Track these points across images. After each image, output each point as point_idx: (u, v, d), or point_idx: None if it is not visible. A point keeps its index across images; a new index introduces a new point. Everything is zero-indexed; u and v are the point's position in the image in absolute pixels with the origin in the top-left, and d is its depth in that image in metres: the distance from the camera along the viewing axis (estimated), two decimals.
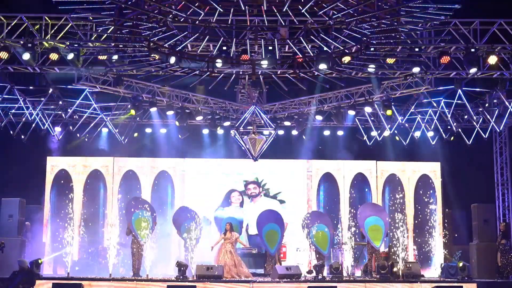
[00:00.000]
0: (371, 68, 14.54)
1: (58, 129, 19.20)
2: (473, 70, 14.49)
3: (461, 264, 15.48)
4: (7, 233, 16.49)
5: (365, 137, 19.84)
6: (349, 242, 16.41)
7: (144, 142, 20.23)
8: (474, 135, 19.29)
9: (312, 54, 13.94)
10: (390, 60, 14.68)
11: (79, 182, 19.56)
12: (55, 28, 14.22)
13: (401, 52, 14.38)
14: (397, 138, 19.70)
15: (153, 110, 18.30)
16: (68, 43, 14.31)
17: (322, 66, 13.18)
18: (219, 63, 13.45)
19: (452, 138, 19.32)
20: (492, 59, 14.35)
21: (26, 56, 13.96)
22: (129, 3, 11.52)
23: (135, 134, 19.85)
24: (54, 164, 19.63)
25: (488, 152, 20.28)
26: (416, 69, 14.55)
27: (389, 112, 17.50)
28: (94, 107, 18.56)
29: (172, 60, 13.31)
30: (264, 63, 13.24)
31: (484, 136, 19.22)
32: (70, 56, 14.25)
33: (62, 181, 19.47)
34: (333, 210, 19.90)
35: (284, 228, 17.90)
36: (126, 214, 16.54)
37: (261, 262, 17.21)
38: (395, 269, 15.37)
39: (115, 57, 13.94)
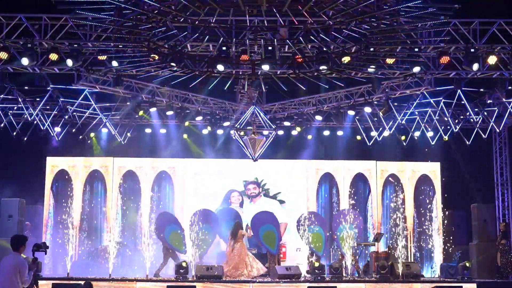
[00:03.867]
0: (371, 68, 14.52)
1: (58, 129, 19.20)
2: (475, 67, 14.33)
3: (468, 264, 15.47)
4: (7, 234, 16.44)
5: (365, 137, 19.85)
6: (349, 241, 16.43)
7: (144, 142, 20.24)
8: (474, 135, 19.30)
9: (312, 54, 13.95)
10: (390, 60, 14.68)
11: (79, 182, 19.55)
12: (54, 28, 14.21)
13: (401, 52, 14.39)
14: (403, 137, 19.70)
15: (153, 110, 18.32)
16: (67, 43, 14.30)
17: (323, 67, 13.19)
18: (220, 67, 13.47)
19: (445, 138, 19.31)
20: (492, 59, 14.34)
21: (25, 61, 14.00)
22: (129, 3, 11.51)
23: (128, 134, 19.86)
24: (54, 164, 19.62)
25: (488, 152, 20.29)
26: (416, 69, 14.53)
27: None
28: (94, 107, 18.57)
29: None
30: (266, 67, 13.27)
31: (483, 136, 19.22)
32: (70, 63, 14.23)
33: (62, 181, 19.46)
34: (333, 210, 19.91)
35: (281, 227, 17.95)
36: (158, 230, 16.71)
37: (261, 262, 17.19)
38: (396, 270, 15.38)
39: (115, 63, 14.00)
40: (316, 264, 15.42)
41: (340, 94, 18.36)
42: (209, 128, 19.36)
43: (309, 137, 19.96)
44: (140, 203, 19.43)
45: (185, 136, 20.14)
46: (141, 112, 17.78)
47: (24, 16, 14.14)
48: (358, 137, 19.96)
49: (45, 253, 9.31)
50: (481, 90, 17.81)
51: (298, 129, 19.40)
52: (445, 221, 19.27)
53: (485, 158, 20.13)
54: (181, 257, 16.40)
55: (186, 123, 18.83)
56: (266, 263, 16.93)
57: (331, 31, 13.39)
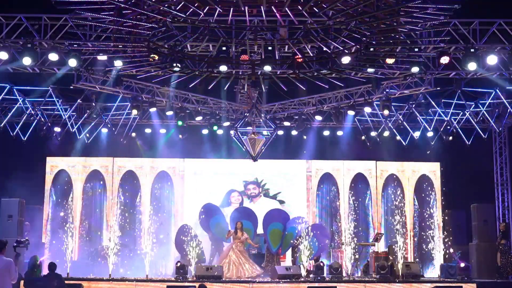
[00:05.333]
0: (371, 68, 14.49)
1: (57, 129, 19.19)
2: (472, 67, 14.30)
3: (462, 265, 15.51)
4: (7, 234, 16.41)
5: (365, 137, 19.85)
6: (349, 242, 16.46)
7: (144, 142, 20.23)
8: (474, 135, 19.30)
9: (311, 54, 13.93)
10: (389, 60, 14.66)
11: (79, 182, 19.56)
12: (54, 28, 14.21)
13: (400, 52, 14.38)
14: (397, 137, 19.70)
15: (153, 110, 18.31)
16: (67, 43, 14.29)
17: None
18: (223, 68, 13.44)
19: (450, 138, 19.31)
20: (492, 59, 14.33)
21: (26, 60, 13.95)
22: (129, 3, 11.51)
23: (133, 134, 19.84)
24: (53, 164, 19.63)
25: (488, 152, 20.27)
26: (415, 69, 14.52)
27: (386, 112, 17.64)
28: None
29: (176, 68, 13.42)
30: (267, 68, 13.27)
31: (483, 136, 19.22)
32: (73, 63, 14.16)
33: (61, 181, 19.47)
34: (333, 210, 19.92)
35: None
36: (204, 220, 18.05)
37: (260, 262, 17.23)
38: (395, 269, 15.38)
39: (119, 63, 13.96)
40: (321, 264, 15.47)
41: (340, 94, 18.35)
42: (215, 127, 19.30)
43: (304, 137, 19.95)
44: (140, 203, 19.44)
45: (180, 136, 20.09)
46: (134, 112, 17.68)
47: (24, 16, 14.14)
48: (363, 137, 19.93)
49: (26, 249, 9.67)
50: (481, 90, 17.81)
51: (295, 132, 19.41)
52: (445, 221, 19.28)
53: (485, 158, 20.11)
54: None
55: (179, 123, 18.74)
56: (263, 263, 16.95)
57: (331, 31, 13.38)
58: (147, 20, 12.25)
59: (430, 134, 19.54)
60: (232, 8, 11.94)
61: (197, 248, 16.30)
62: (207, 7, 11.81)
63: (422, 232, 19.38)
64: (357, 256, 17.26)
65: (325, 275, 15.58)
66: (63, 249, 16.03)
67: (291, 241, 17.63)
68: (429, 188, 19.94)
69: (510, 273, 16.27)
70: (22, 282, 12.82)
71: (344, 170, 20.19)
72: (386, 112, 17.55)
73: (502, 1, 14.50)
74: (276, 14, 12.13)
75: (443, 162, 20.02)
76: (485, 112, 18.92)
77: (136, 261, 16.98)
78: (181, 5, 11.70)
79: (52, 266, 12.18)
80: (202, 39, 13.65)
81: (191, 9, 11.95)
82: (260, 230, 18.28)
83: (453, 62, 15.13)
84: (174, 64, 13.39)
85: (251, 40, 13.78)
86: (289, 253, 18.21)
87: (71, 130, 19.11)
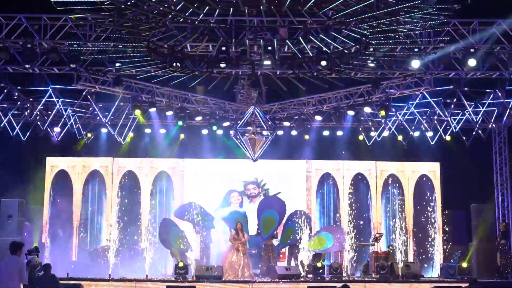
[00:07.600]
0: (372, 63, 14.42)
1: (57, 129, 19.18)
2: (472, 63, 14.27)
3: (464, 265, 15.51)
4: (7, 234, 16.43)
5: (364, 137, 19.85)
6: (349, 241, 16.48)
7: (144, 142, 20.23)
8: (473, 135, 19.29)
9: (311, 54, 13.93)
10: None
11: (79, 182, 19.57)
12: (54, 29, 14.21)
13: (400, 52, 14.38)
14: (399, 138, 19.67)
15: (153, 110, 18.30)
16: (67, 43, 14.29)
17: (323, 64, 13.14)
18: (222, 65, 13.44)
19: (449, 138, 19.28)
20: (491, 59, 14.33)
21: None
22: (128, 3, 11.51)
23: (131, 134, 19.78)
24: (53, 164, 19.63)
25: (487, 152, 20.27)
26: (415, 63, 14.42)
27: (382, 113, 17.54)
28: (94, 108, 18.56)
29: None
30: (267, 62, 13.24)
31: (483, 136, 19.21)
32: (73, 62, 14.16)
33: (61, 182, 19.47)
34: (333, 210, 19.93)
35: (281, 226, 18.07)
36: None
37: (258, 262, 17.23)
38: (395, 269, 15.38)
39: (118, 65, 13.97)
40: (319, 265, 15.46)
41: (340, 94, 18.36)
42: (215, 127, 19.28)
43: (306, 137, 19.95)
44: (139, 203, 19.45)
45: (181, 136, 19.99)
46: (137, 112, 17.67)
47: (24, 16, 14.14)
48: (361, 137, 19.92)
49: (37, 256, 9.85)
50: (481, 90, 17.81)
51: (295, 132, 19.42)
52: (445, 221, 19.27)
53: (485, 158, 20.11)
54: None
55: (180, 123, 18.69)
56: (260, 263, 16.95)
57: (331, 31, 13.38)
58: (147, 20, 12.25)
59: (430, 134, 19.52)
60: (232, 8, 11.95)
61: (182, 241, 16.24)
62: (207, 7, 11.81)
63: (422, 232, 19.37)
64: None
65: (325, 275, 15.58)
66: (65, 249, 16.06)
67: (292, 237, 17.61)
68: (429, 188, 19.94)
69: (510, 273, 16.28)
70: None
71: (344, 170, 20.19)
72: (382, 113, 17.54)
73: (502, 1, 14.49)
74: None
75: (443, 162, 20.02)
76: (485, 112, 18.91)
77: (136, 261, 16.99)
78: (181, 5, 11.70)
79: (47, 267, 12.20)
80: (202, 39, 13.64)
81: (191, 9, 11.95)
82: (253, 231, 18.32)
83: (453, 62, 15.14)
84: (174, 64, 13.39)
85: (251, 40, 13.78)
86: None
87: (71, 130, 19.10)
